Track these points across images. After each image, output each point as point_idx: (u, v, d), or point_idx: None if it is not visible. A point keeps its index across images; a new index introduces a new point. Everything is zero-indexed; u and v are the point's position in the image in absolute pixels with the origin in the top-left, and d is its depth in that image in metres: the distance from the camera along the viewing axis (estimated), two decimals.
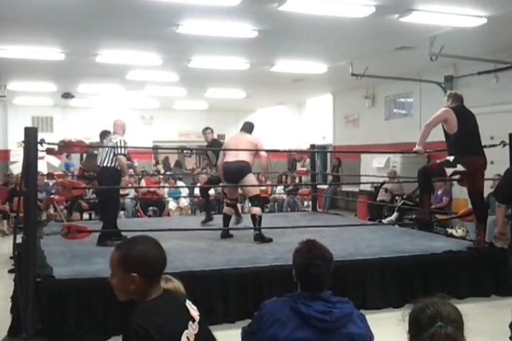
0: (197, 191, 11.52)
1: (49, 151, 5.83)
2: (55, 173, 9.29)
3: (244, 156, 6.34)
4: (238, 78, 11.05)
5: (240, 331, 2.29)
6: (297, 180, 13.09)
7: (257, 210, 6.27)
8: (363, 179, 11.18)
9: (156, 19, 6.59)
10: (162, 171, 15.85)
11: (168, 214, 10.93)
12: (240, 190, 6.96)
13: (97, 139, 8.50)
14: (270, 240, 6.09)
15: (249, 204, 7.15)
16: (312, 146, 9.95)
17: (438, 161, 5.77)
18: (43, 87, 11.90)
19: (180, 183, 11.96)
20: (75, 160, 13.43)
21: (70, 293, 4.25)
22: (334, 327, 2.09)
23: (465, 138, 5.44)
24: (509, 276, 4.52)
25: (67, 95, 13.18)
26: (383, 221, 9.19)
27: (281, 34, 7.38)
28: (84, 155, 9.39)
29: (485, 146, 5.71)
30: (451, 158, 5.48)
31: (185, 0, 5.74)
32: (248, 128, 6.78)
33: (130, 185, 10.40)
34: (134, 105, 15.31)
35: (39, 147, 4.48)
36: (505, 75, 8.78)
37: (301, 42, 7.90)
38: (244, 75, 10.51)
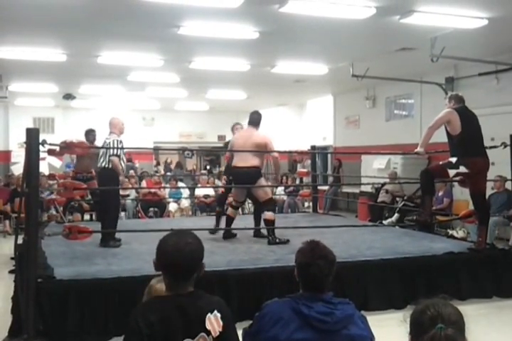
0: (197, 192, 11.55)
1: (50, 152, 5.83)
2: (57, 174, 9.30)
3: (253, 161, 6.08)
4: (239, 79, 11.06)
5: (240, 332, 2.29)
6: (298, 181, 13.11)
7: (269, 215, 6.15)
8: (363, 180, 11.18)
9: (158, 20, 6.60)
10: (162, 172, 15.86)
11: (168, 216, 10.93)
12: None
13: (99, 139, 8.48)
14: (287, 241, 5.94)
15: (251, 206, 7.11)
16: (313, 147, 9.94)
17: (440, 162, 5.74)
18: (44, 88, 11.92)
19: (180, 184, 11.97)
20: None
21: (71, 293, 4.25)
22: (335, 328, 2.09)
23: (468, 139, 5.41)
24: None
25: (68, 96, 13.20)
26: (384, 222, 9.19)
27: (282, 35, 7.39)
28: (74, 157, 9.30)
29: (486, 147, 5.70)
30: (453, 160, 5.45)
31: (186, 1, 5.75)
32: (255, 121, 6.33)
33: (128, 186, 10.39)
34: (135, 106, 15.33)
35: (41, 148, 4.49)
36: (506, 76, 8.78)
37: (301, 43, 7.91)
38: (245, 76, 10.51)
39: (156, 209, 10.86)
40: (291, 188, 11.99)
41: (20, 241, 4.56)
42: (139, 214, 10.76)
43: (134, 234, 6.17)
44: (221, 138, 16.17)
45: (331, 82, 11.69)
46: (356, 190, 12.46)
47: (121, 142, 6.09)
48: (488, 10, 6.23)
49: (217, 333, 1.75)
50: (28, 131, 4.37)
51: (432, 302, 1.50)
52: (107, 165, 6.04)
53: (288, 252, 5.13)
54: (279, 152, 6.71)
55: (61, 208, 8.40)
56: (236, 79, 11.10)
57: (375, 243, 6.11)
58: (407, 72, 9.93)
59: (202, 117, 16.82)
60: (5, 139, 15.01)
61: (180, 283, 1.78)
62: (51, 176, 9.19)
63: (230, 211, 6.65)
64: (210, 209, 10.87)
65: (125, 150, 6.40)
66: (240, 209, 7.78)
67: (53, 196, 9.34)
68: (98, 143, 7.19)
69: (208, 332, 1.74)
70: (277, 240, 5.93)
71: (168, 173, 15.43)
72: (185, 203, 11.58)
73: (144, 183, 11.56)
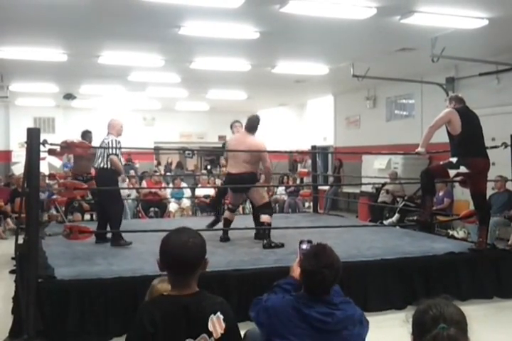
0: (198, 192, 11.55)
1: (51, 152, 5.83)
2: (57, 174, 9.30)
3: (247, 167, 6.05)
4: (239, 79, 11.06)
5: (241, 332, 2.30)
6: (298, 181, 13.10)
7: (265, 218, 6.12)
8: (364, 180, 11.18)
9: (158, 21, 6.60)
10: (162, 172, 15.85)
11: (169, 216, 10.92)
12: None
13: (97, 140, 8.48)
14: (282, 245, 5.84)
15: (251, 206, 7.10)
16: (313, 147, 9.93)
17: (441, 162, 5.72)
18: (45, 88, 11.92)
19: (182, 184, 11.96)
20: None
21: (72, 293, 4.24)
22: (336, 328, 2.09)
23: (469, 139, 5.40)
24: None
25: (69, 96, 13.21)
26: (384, 222, 9.18)
27: (283, 35, 7.38)
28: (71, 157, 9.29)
29: (487, 147, 5.69)
30: (454, 160, 5.43)
31: (187, 1, 5.75)
32: (251, 126, 6.14)
33: (129, 185, 10.38)
34: (136, 106, 15.34)
35: (41, 148, 4.49)
36: (506, 77, 8.78)
37: (302, 43, 7.91)
38: (246, 76, 10.51)
39: (156, 209, 10.86)
40: (292, 188, 11.98)
41: (20, 241, 4.57)
42: (140, 214, 10.76)
43: (135, 234, 6.17)
44: (221, 138, 16.17)
45: (332, 82, 11.69)
46: (357, 190, 12.46)
47: (119, 142, 6.08)
48: (488, 10, 6.23)
49: (219, 335, 1.75)
50: (29, 130, 4.37)
51: (434, 302, 1.50)
52: (105, 166, 6.03)
53: (288, 252, 5.13)
54: (279, 152, 6.71)
55: (63, 208, 8.39)
56: (236, 80, 11.10)
57: (375, 243, 6.11)
58: (408, 72, 9.93)
59: (202, 117, 16.82)
60: (5, 139, 15.03)
61: (185, 280, 1.78)
62: (51, 176, 9.19)
63: (227, 214, 6.59)
64: (210, 210, 10.86)
65: (125, 150, 6.39)
66: (240, 209, 7.77)
67: (54, 196, 9.34)
68: (95, 144, 7.17)
69: (210, 334, 1.74)
70: (272, 244, 5.90)
71: (168, 173, 15.42)
72: (187, 203, 11.58)
73: (144, 183, 11.56)
